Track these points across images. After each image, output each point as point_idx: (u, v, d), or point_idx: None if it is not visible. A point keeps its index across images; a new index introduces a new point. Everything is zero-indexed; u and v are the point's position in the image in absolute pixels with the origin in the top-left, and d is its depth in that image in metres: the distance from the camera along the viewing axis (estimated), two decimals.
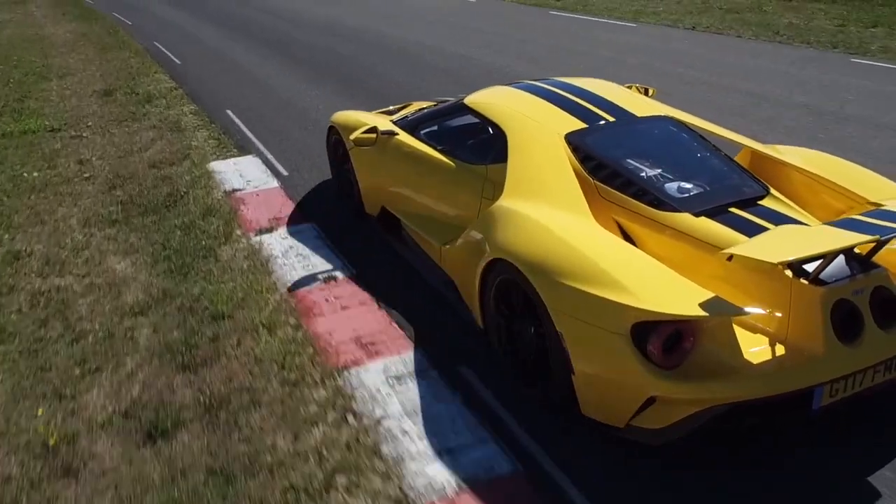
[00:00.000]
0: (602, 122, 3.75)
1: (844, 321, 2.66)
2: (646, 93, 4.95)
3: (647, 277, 2.72)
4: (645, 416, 2.70)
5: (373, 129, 4.41)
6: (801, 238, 2.55)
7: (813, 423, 2.88)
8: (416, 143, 4.41)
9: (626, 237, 3.28)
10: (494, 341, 3.39)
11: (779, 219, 3.12)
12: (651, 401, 2.66)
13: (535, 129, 3.72)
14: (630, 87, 4.94)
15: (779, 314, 2.76)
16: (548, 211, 3.21)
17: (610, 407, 2.78)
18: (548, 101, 3.98)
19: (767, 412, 2.68)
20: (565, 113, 3.83)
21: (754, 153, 3.88)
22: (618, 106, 3.92)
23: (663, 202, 3.21)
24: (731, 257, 2.49)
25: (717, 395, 2.58)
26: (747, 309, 2.64)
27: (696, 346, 2.62)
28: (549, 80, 4.35)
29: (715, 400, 2.59)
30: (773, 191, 3.35)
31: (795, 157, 3.72)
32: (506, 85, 4.45)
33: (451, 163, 4.07)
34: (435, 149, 4.27)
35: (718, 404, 2.60)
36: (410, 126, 4.61)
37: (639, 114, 3.87)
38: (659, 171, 3.44)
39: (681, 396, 2.60)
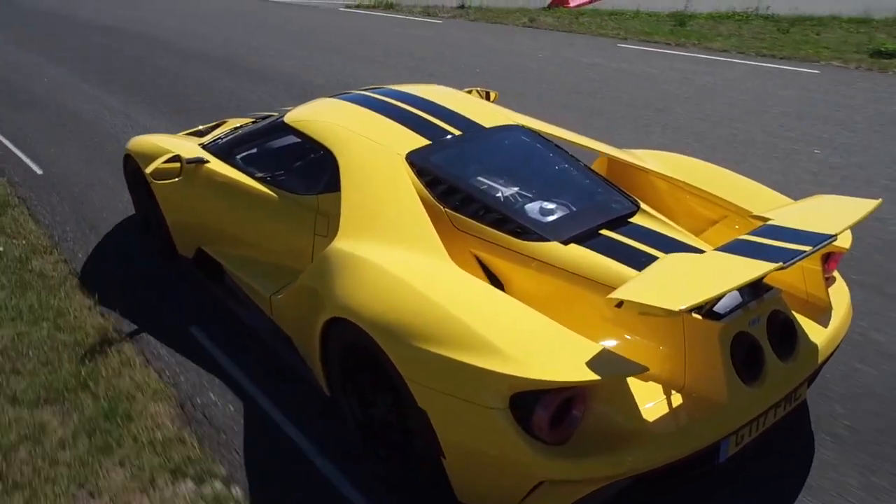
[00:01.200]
0: (448, 137, 3.23)
1: (745, 358, 2.31)
2: (487, 97, 4.53)
3: (524, 334, 2.22)
4: (534, 500, 2.21)
5: (175, 158, 3.61)
6: (698, 273, 2.16)
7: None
8: (230, 171, 3.69)
9: (490, 276, 2.79)
10: (346, 415, 2.78)
11: (656, 239, 2.74)
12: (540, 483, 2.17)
13: (370, 149, 3.13)
14: (470, 92, 4.49)
15: (672, 357, 2.37)
16: (394, 252, 2.63)
17: (492, 494, 2.27)
18: (382, 114, 3.40)
19: (670, 474, 2.27)
20: (404, 128, 3.27)
21: (612, 160, 3.53)
22: (463, 116, 3.41)
23: (527, 230, 2.74)
24: (620, 303, 2.04)
25: (617, 471, 2.14)
26: (641, 364, 2.19)
27: (588, 413, 2.16)
28: (383, 89, 3.78)
29: (615, 476, 2.15)
30: (643, 205, 2.98)
31: (655, 163, 3.40)
32: (333, 97, 3.83)
33: (273, 194, 3.40)
34: (254, 177, 3.57)
35: (620, 479, 2.16)
36: (223, 151, 3.86)
37: (487, 124, 3.39)
38: (517, 191, 2.97)
39: (575, 477, 2.13)
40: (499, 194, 2.93)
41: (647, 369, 2.12)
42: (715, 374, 2.27)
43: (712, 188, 3.18)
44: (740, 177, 3.33)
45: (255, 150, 3.77)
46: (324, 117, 3.47)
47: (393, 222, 2.79)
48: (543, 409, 2.05)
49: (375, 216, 2.85)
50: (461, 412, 2.18)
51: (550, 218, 2.82)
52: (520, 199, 2.92)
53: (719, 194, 3.12)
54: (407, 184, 2.92)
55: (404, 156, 3.06)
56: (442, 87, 3.84)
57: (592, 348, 2.13)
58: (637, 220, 2.88)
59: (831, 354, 2.64)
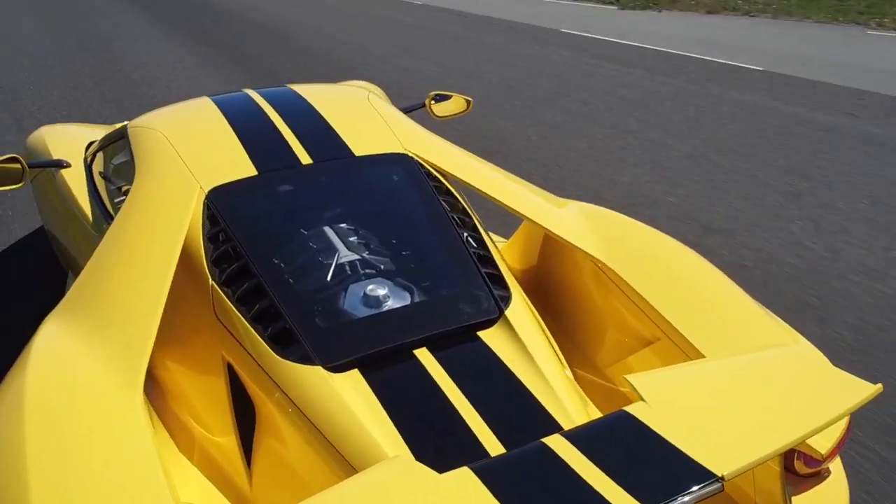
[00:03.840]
0: (284, 167, 2.26)
1: None
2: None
3: None
4: None
5: (13, 159, 2.88)
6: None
7: None
8: (79, 180, 2.95)
9: (239, 397, 1.82)
10: None
11: (489, 374, 1.66)
12: None
13: (172, 176, 2.21)
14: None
15: None
16: (66, 360, 1.71)
17: None
18: (233, 125, 2.46)
19: None
20: (241, 149, 2.32)
21: (530, 225, 2.42)
22: (335, 135, 2.42)
23: (292, 339, 1.73)
24: None
25: None
26: None
27: None
28: (274, 90, 2.84)
29: None
30: (512, 307, 1.87)
31: (585, 227, 2.24)
32: (212, 95, 2.93)
33: (86, 217, 2.61)
34: (92, 193, 2.81)
35: None
36: (90, 154, 3.12)
37: (362, 151, 2.38)
38: (325, 264, 1.95)
39: None
40: (294, 270, 1.93)
41: None
42: None
43: (645, 279, 2.00)
44: (697, 263, 2.11)
45: (100, 158, 2.97)
46: (160, 125, 2.58)
47: (119, 299, 1.86)
48: None
49: (111, 279, 1.94)
50: None
51: (341, 319, 1.79)
52: (320, 281, 1.90)
53: (663, 311, 1.93)
54: (177, 238, 1.98)
55: (207, 191, 2.14)
56: (348, 90, 2.85)
57: None
58: (487, 335, 1.79)
59: None
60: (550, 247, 2.41)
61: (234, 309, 1.83)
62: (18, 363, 1.73)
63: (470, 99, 3.55)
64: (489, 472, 1.11)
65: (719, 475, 1.07)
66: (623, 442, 1.16)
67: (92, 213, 2.76)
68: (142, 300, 1.80)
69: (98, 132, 3.73)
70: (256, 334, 1.76)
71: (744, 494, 1.64)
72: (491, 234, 2.60)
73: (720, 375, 1.44)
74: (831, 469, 1.72)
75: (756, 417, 1.24)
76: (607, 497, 1.04)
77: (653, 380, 1.33)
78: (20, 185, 2.88)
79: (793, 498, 1.62)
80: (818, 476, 1.70)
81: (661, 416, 1.19)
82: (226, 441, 1.80)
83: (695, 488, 1.06)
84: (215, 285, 1.91)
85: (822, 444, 1.52)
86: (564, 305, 2.29)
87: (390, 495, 1.08)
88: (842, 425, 1.58)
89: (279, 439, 1.69)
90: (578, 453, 1.15)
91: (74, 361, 1.69)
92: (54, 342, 1.78)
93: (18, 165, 2.83)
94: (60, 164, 3.08)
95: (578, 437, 1.19)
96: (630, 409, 1.25)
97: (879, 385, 1.28)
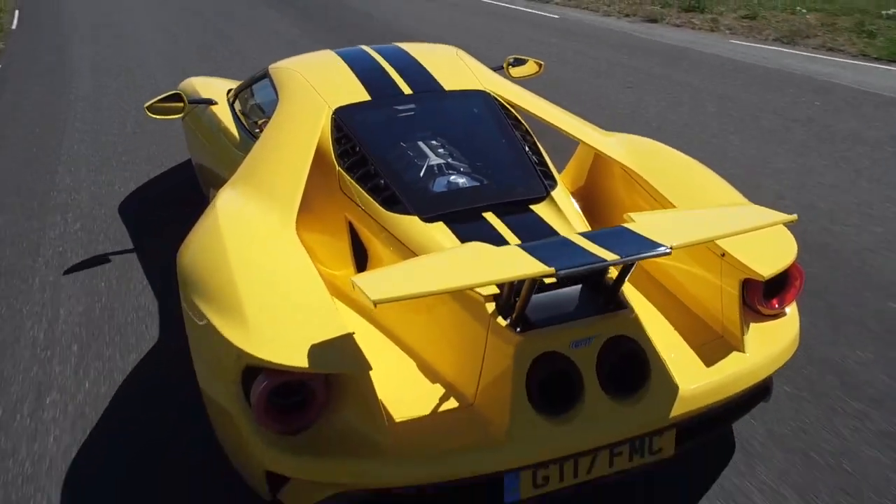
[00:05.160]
0: (391, 96, 2.98)
1: (551, 384, 1.86)
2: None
3: (289, 309, 1.98)
4: (287, 492, 1.98)
5: (176, 97, 3.73)
6: (455, 264, 1.75)
7: None
8: (224, 115, 3.75)
9: (358, 243, 2.54)
10: None
11: (537, 229, 2.32)
12: (285, 481, 1.94)
13: (307, 100, 2.98)
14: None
15: (471, 368, 1.98)
16: (248, 208, 2.48)
17: (248, 475, 2.07)
18: (351, 67, 3.21)
19: None
20: (357, 81, 3.07)
21: (585, 145, 3.06)
22: (430, 76, 3.13)
23: (396, 200, 2.45)
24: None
25: (349, 477, 1.84)
26: (368, 362, 1.83)
27: (331, 404, 1.88)
28: (386, 46, 3.57)
29: (350, 484, 1.86)
30: (556, 192, 2.53)
31: (625, 149, 2.88)
32: (335, 50, 3.69)
33: (237, 138, 3.40)
34: (237, 122, 3.60)
35: (356, 490, 1.87)
36: (233, 95, 3.93)
37: (449, 87, 3.08)
38: (421, 159, 2.66)
39: (298, 475, 1.87)
40: (398, 160, 2.64)
41: (370, 368, 1.79)
42: (502, 391, 1.86)
43: (664, 183, 2.63)
44: (711, 177, 2.72)
45: (247, 96, 3.77)
46: (295, 66, 3.36)
47: (274, 177, 2.63)
48: (262, 387, 1.80)
49: (267, 167, 2.71)
50: (211, 379, 2.01)
51: (430, 191, 2.49)
52: (416, 169, 2.61)
53: (666, 192, 2.56)
54: (313, 139, 2.72)
55: (333, 109, 2.88)
56: (441, 47, 3.55)
57: (340, 339, 1.84)
58: (537, 207, 2.45)
59: (722, 409, 2.07)
60: (596, 165, 3.04)
61: (356, 184, 2.56)
62: (207, 212, 2.51)
63: (542, 62, 4.21)
64: (530, 248, 1.75)
65: (668, 245, 1.69)
66: (615, 235, 1.80)
67: (239, 136, 3.54)
68: (290, 176, 2.55)
69: (231, 83, 4.57)
70: (371, 199, 2.48)
71: (714, 319, 2.24)
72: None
73: (694, 214, 2.07)
74: (787, 312, 2.30)
75: (705, 225, 1.87)
76: (594, 253, 1.68)
77: (643, 214, 1.96)
78: (182, 114, 3.75)
79: (751, 324, 2.21)
80: (776, 317, 2.28)
81: (642, 225, 1.82)
82: (344, 273, 2.52)
83: (650, 252, 1.69)
84: (341, 170, 2.64)
85: (765, 269, 2.11)
86: (602, 206, 2.93)
87: (465, 256, 1.76)
88: (784, 263, 2.16)
89: (380, 265, 2.40)
90: (586, 240, 1.78)
91: (248, 209, 2.46)
92: (232, 198, 2.56)
93: (181, 103, 3.69)
94: (211, 102, 3.90)
95: (587, 234, 1.84)
96: (624, 224, 1.88)
97: (795, 215, 1.86)
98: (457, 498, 1.93)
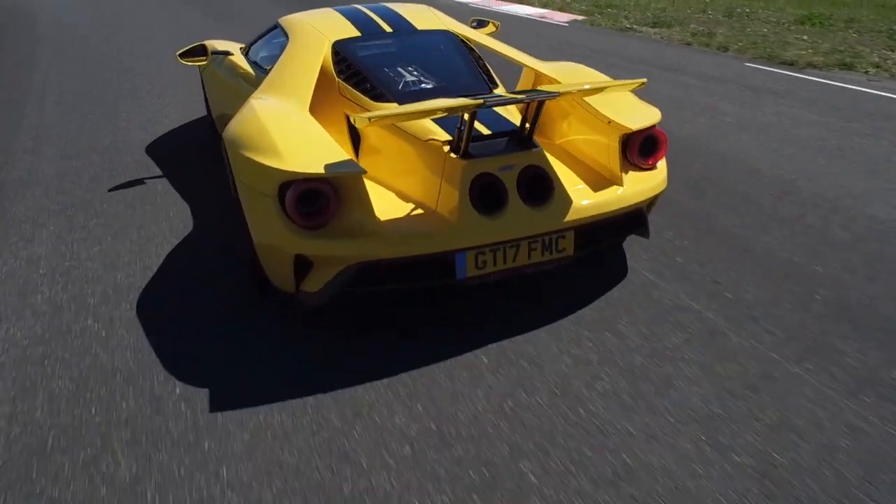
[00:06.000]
0: (375, 32, 3.93)
1: (486, 194, 2.80)
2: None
3: (306, 146, 2.90)
4: (307, 280, 2.89)
5: (201, 48, 4.66)
6: (422, 105, 2.71)
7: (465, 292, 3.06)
8: (240, 61, 4.66)
9: (353, 131, 3.47)
10: None
11: (483, 115, 3.28)
12: (309, 266, 2.85)
13: (312, 36, 3.92)
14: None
15: (433, 185, 2.92)
16: (273, 100, 3.41)
17: (280, 273, 2.97)
18: (345, 16, 4.17)
19: (409, 277, 2.84)
20: (350, 24, 4.02)
21: (528, 69, 4.02)
22: (405, 20, 4.09)
23: (383, 95, 3.39)
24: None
25: (354, 253, 2.76)
26: (362, 167, 2.79)
27: (340, 208, 2.79)
28: (373, 4, 4.53)
29: (354, 257, 2.77)
30: (497, 90, 3.50)
31: (552, 67, 3.86)
32: (334, 7, 4.64)
33: (253, 73, 4.31)
34: (250, 63, 4.52)
35: (360, 261, 2.78)
36: (247, 47, 4.85)
37: (420, 27, 4.04)
38: (400, 73, 3.60)
39: (319, 253, 2.78)
40: (382, 72, 3.59)
41: (364, 171, 2.72)
42: (453, 200, 2.79)
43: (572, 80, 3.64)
44: (602, 76, 3.75)
45: (257, 45, 4.70)
46: (301, 16, 4.31)
47: (292, 82, 3.57)
48: (292, 194, 2.71)
49: (285, 78, 3.65)
50: (254, 201, 2.91)
51: (407, 89, 3.44)
52: (396, 76, 3.55)
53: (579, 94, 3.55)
54: (318, 60, 3.66)
55: (332, 41, 3.82)
56: (416, 5, 4.52)
57: (341, 157, 2.76)
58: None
59: (607, 224, 3.03)
60: (536, 83, 3.99)
61: (351, 88, 3.50)
62: (242, 109, 3.41)
63: (498, 23, 5.20)
64: (471, 97, 2.70)
65: (557, 91, 2.65)
66: (526, 91, 2.77)
67: (255, 75, 4.44)
68: (303, 82, 3.49)
69: (238, 44, 5.51)
70: (363, 95, 3.42)
71: (603, 167, 3.19)
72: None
73: (576, 84, 3.05)
74: (658, 167, 3.26)
75: (580, 85, 2.83)
76: (510, 96, 2.63)
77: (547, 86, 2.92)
78: (206, 61, 4.67)
79: (630, 173, 3.16)
80: (649, 170, 3.23)
81: (544, 88, 2.79)
82: (346, 148, 3.45)
83: (545, 96, 2.65)
84: (340, 81, 3.59)
85: (634, 125, 3.08)
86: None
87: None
88: (648, 123, 3.12)
89: (374, 146, 3.32)
90: (508, 93, 2.73)
91: (273, 101, 3.38)
92: (260, 97, 3.48)
93: (204, 54, 4.63)
94: (228, 53, 4.82)
95: (509, 91, 2.79)
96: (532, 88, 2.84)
97: (644, 79, 2.82)
98: (424, 273, 2.84)
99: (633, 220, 3.19)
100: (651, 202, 3.31)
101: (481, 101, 2.58)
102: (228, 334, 3.02)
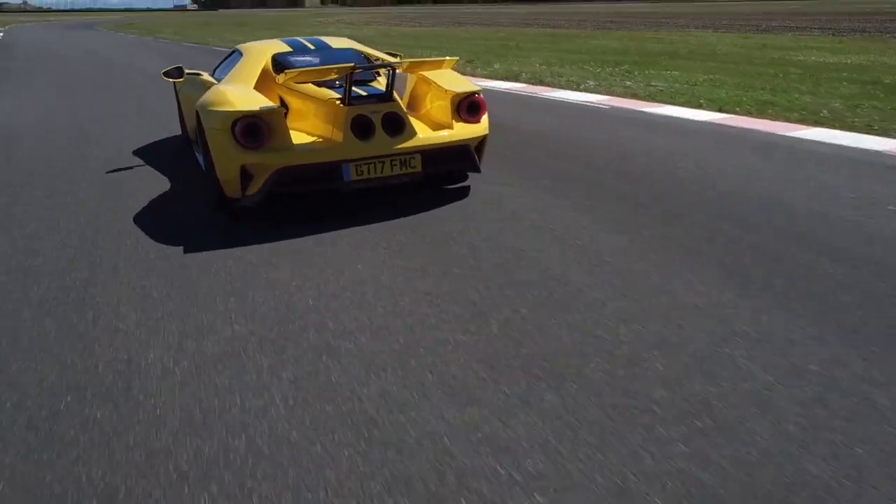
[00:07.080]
0: (302, 50, 5.76)
1: (360, 127, 4.52)
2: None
3: (248, 99, 4.63)
4: (249, 187, 4.54)
5: (178, 70, 6.41)
6: (310, 69, 4.51)
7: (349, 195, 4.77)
8: (207, 78, 6.41)
9: (283, 101, 5.20)
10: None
11: (361, 86, 5.03)
12: (249, 177, 4.51)
13: (258, 51, 5.73)
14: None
15: (331, 122, 4.63)
16: (230, 85, 5.15)
17: (231, 184, 4.60)
18: (284, 42, 5.99)
19: (313, 179, 4.51)
20: (286, 46, 5.85)
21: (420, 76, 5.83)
22: (325, 43, 5.93)
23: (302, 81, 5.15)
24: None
25: (276, 162, 4.42)
26: (279, 107, 4.65)
27: (270, 135, 4.46)
28: (311, 37, 6.36)
29: (276, 165, 4.43)
30: (378, 77, 5.31)
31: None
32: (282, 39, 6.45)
33: (212, 82, 6.08)
34: (215, 79, 6.27)
35: (280, 167, 4.43)
36: (214, 68, 6.62)
37: (335, 47, 5.87)
38: (312, 64, 5.40)
39: (256, 162, 4.44)
40: (300, 64, 5.36)
41: (282, 109, 4.45)
42: (341, 131, 4.51)
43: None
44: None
45: (223, 65, 6.47)
46: (252, 42, 6.12)
47: (242, 75, 5.32)
48: (239, 126, 4.39)
49: (238, 74, 5.41)
50: (216, 138, 4.58)
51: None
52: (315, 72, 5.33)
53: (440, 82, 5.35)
54: (260, 64, 5.45)
55: (272, 55, 5.61)
56: (343, 39, 6.37)
57: (269, 104, 4.48)
58: (365, 78, 5.22)
59: (444, 153, 4.75)
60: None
61: (283, 77, 5.26)
62: (211, 88, 5.13)
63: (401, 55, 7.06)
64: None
65: (398, 61, 4.40)
66: (385, 65, 4.55)
67: (207, 83, 6.16)
68: (250, 75, 5.27)
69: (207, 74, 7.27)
70: (291, 82, 5.17)
71: (442, 122, 4.94)
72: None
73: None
74: (481, 121, 5.01)
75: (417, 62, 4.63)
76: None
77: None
78: (182, 78, 6.43)
79: (458, 124, 4.91)
80: (475, 123, 4.99)
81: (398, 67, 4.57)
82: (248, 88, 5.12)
83: (388, 64, 4.45)
84: (275, 75, 5.35)
85: (460, 90, 4.87)
86: (419, 99, 5.65)
87: None
88: (469, 90, 4.91)
89: (296, 109, 5.04)
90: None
91: (230, 84, 5.12)
92: (219, 84, 5.22)
93: (181, 76, 6.40)
94: (199, 74, 6.57)
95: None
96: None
97: (457, 57, 4.61)
98: (322, 176, 4.50)
99: (463, 153, 4.90)
100: (479, 146, 5.04)
101: (353, 65, 4.34)
102: (206, 225, 4.63)
